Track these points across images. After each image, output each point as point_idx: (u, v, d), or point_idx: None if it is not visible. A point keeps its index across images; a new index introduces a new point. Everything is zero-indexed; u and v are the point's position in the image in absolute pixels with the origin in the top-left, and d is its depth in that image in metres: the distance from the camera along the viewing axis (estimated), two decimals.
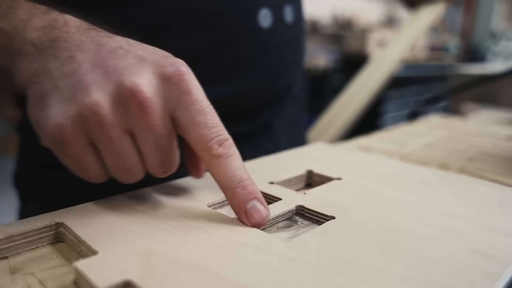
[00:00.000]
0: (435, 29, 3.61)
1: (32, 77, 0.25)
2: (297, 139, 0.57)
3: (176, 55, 0.27)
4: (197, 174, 0.31)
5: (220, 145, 0.25)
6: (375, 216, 0.27)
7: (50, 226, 0.25)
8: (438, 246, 0.24)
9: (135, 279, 0.19)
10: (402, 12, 3.58)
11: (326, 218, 0.27)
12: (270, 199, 0.31)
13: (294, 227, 0.28)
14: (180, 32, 0.40)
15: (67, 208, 0.27)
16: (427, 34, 3.15)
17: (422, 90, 3.00)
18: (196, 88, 0.25)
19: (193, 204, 0.29)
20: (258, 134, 0.49)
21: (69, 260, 0.23)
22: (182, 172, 0.31)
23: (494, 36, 4.26)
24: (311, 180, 0.37)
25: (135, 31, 0.28)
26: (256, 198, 0.26)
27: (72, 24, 0.26)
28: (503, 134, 0.59)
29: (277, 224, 0.28)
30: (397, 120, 2.57)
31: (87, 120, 0.24)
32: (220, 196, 0.30)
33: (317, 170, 0.37)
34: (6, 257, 0.24)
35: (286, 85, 0.51)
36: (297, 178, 0.36)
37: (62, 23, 0.26)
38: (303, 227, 0.28)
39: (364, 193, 0.31)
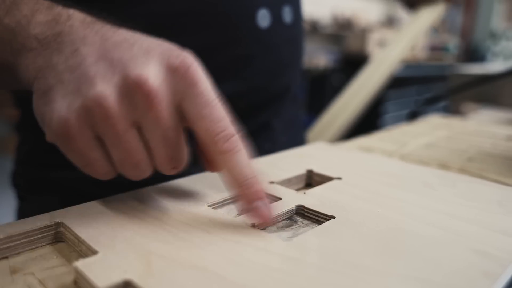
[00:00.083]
0: (435, 29, 3.61)
1: (37, 72, 0.25)
2: (296, 139, 0.56)
3: None
4: (212, 168, 0.29)
5: (226, 140, 0.25)
6: (375, 215, 0.27)
7: (50, 226, 0.25)
8: (438, 246, 0.24)
9: (135, 279, 0.19)
10: (402, 12, 3.57)
11: (326, 217, 0.27)
12: (270, 198, 0.30)
13: (294, 226, 0.28)
14: (179, 32, 0.40)
15: (67, 208, 0.27)
16: (427, 34, 3.15)
17: (422, 90, 3.00)
18: (203, 80, 0.25)
19: (193, 204, 0.29)
20: (257, 134, 0.49)
21: (69, 260, 0.23)
22: (187, 171, 0.31)
23: (494, 36, 4.26)
24: (311, 180, 0.37)
25: (134, 31, 0.28)
26: (259, 198, 0.25)
27: (76, 18, 0.26)
28: (503, 134, 0.59)
29: (277, 224, 0.28)
30: (397, 120, 2.57)
31: (92, 112, 0.23)
32: (220, 196, 0.30)
33: (317, 169, 0.37)
34: (6, 257, 0.24)
35: (285, 85, 0.50)
36: (297, 177, 0.36)
37: (65, 17, 0.26)
38: (303, 227, 0.28)
39: (364, 192, 0.31)
